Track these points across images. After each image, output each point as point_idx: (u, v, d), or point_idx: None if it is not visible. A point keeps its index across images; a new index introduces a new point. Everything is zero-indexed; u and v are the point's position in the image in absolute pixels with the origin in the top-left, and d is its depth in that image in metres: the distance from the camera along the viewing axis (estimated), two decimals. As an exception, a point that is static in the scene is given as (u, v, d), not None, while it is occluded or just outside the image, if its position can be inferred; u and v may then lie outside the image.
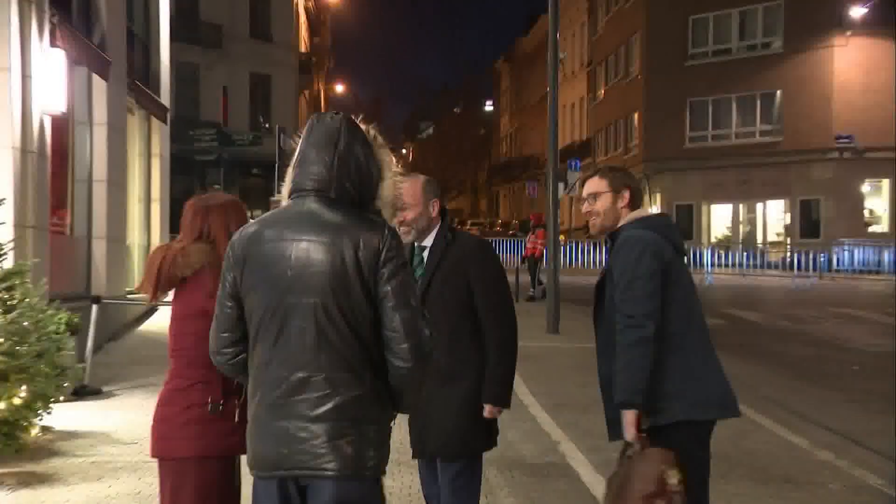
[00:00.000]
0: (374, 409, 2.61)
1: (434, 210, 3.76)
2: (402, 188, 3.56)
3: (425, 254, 3.76)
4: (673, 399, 3.32)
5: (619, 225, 3.55)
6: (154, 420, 3.36)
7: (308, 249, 2.58)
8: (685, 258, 3.59)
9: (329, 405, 2.55)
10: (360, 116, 2.85)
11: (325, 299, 2.56)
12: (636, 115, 38.34)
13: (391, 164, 2.81)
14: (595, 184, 3.60)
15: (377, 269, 2.58)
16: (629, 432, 3.29)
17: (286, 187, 2.78)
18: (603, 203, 3.58)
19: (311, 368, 2.56)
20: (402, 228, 3.68)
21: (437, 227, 3.75)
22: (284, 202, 2.77)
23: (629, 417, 3.28)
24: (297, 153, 2.76)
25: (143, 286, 3.44)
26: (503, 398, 3.68)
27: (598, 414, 3.78)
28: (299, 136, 2.80)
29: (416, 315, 2.60)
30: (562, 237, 23.93)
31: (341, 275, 2.56)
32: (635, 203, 3.59)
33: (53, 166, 9.67)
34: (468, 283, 3.65)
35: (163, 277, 3.38)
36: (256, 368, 2.65)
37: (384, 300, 2.58)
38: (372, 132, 2.81)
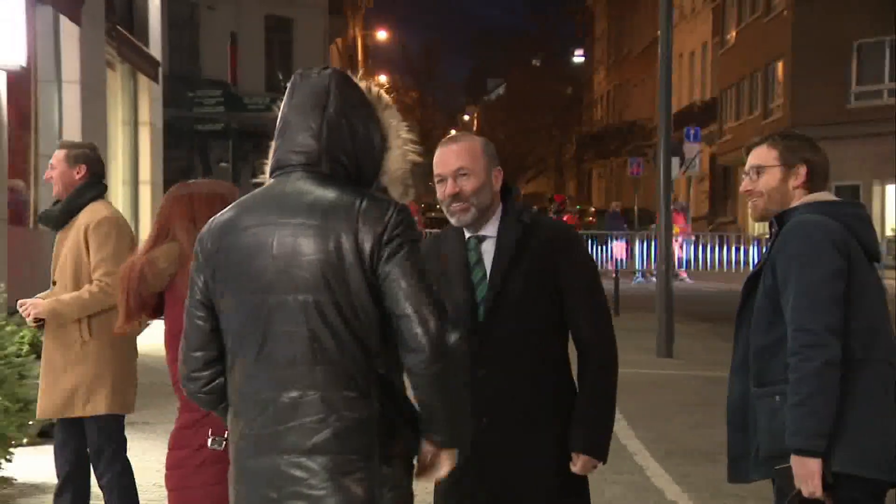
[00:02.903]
0: (387, 437, 2.67)
1: (497, 183, 3.56)
2: (444, 150, 3.52)
3: (486, 247, 3.55)
4: (834, 443, 3.30)
5: (790, 207, 3.53)
6: (166, 467, 3.57)
7: (295, 235, 2.67)
8: (876, 264, 3.56)
9: (327, 433, 2.61)
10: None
11: (319, 295, 2.64)
12: (780, 65, 37.80)
13: (400, 130, 2.90)
14: (761, 154, 3.59)
15: (380, 253, 2.65)
16: (810, 485, 3.27)
17: (270, 159, 2.87)
18: (768, 180, 3.56)
19: (304, 385, 2.63)
20: (454, 206, 3.49)
21: (500, 209, 3.57)
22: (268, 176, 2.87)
23: (811, 467, 3.27)
24: (278, 120, 2.85)
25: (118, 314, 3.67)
26: (601, 447, 3.52)
27: (725, 464, 3.75)
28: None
29: (431, 298, 2.65)
30: (676, 230, 23.73)
31: (337, 264, 2.64)
32: (815, 183, 3.56)
33: (12, 139, 9.88)
34: (559, 289, 3.50)
35: (133, 301, 3.56)
36: (237, 391, 2.73)
37: (387, 281, 2.64)
38: (375, 90, 2.90)
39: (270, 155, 2.87)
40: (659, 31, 14.24)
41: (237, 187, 3.87)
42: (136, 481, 6.99)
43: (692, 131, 30.59)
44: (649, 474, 7.44)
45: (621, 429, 8.88)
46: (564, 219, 20.94)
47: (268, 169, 2.88)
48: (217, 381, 2.79)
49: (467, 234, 3.57)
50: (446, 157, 3.51)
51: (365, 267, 2.64)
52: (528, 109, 68.16)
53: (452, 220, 3.54)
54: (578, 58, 75.72)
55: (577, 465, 3.48)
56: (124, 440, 5.46)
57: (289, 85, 2.86)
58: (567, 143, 74.31)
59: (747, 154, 3.67)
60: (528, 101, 68.34)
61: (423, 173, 3.44)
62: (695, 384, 11.16)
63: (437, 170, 3.52)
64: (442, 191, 3.51)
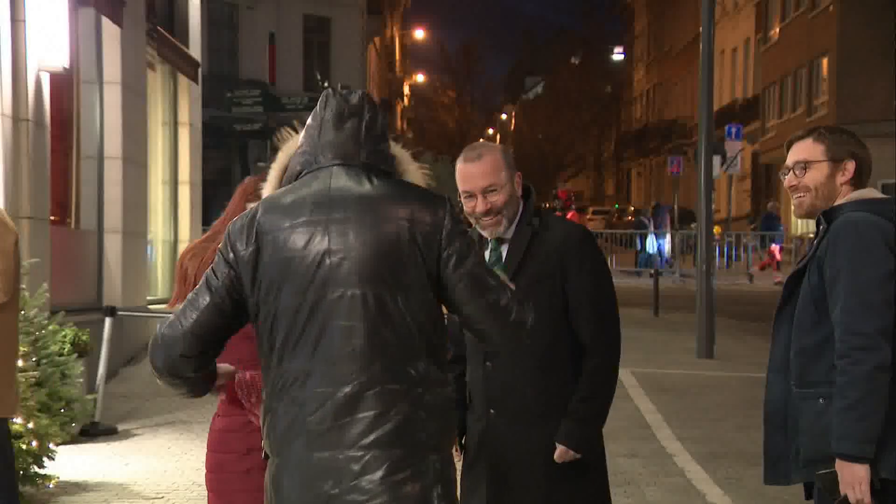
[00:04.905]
0: (438, 432, 2.71)
1: (518, 188, 3.71)
2: (469, 168, 3.63)
3: (505, 249, 3.71)
4: (882, 448, 3.26)
5: (837, 204, 3.46)
6: (207, 468, 3.55)
7: (349, 229, 2.69)
8: None
9: (388, 427, 2.65)
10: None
11: (377, 288, 2.66)
12: (824, 62, 37.43)
13: (409, 158, 2.96)
14: (806, 148, 3.52)
15: (440, 249, 2.69)
16: (857, 491, 3.23)
17: (275, 171, 2.97)
18: (815, 176, 3.49)
19: (363, 380, 2.66)
20: (486, 220, 3.64)
21: (521, 211, 3.71)
22: (268, 188, 2.95)
23: (858, 473, 3.23)
24: (305, 130, 2.90)
25: (177, 301, 3.62)
26: (579, 440, 3.64)
27: (768, 467, 3.73)
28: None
29: (499, 294, 2.73)
30: (716, 230, 23.59)
31: (395, 256, 2.67)
32: (861, 179, 3.50)
33: (54, 139, 9.97)
34: (564, 288, 3.63)
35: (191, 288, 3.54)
36: (289, 387, 2.72)
37: (458, 289, 2.70)
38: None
39: (281, 158, 2.97)
40: (700, 28, 14.19)
41: None
42: (175, 481, 7.05)
43: (733, 129, 30.39)
44: (690, 477, 7.42)
45: (661, 429, 8.87)
46: (568, 216, 21.82)
47: (272, 176, 2.96)
48: (197, 373, 2.83)
49: (489, 237, 3.73)
50: (473, 175, 3.63)
51: (424, 258, 2.68)
52: (567, 108, 68.06)
53: (485, 234, 3.70)
54: (618, 55, 75.43)
55: (557, 452, 3.63)
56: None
57: (320, 101, 2.90)
58: (606, 142, 74.10)
59: (788, 148, 3.60)
60: (567, 100, 68.24)
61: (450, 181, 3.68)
62: (735, 385, 11.13)
63: (463, 186, 3.66)
64: (471, 206, 3.65)
